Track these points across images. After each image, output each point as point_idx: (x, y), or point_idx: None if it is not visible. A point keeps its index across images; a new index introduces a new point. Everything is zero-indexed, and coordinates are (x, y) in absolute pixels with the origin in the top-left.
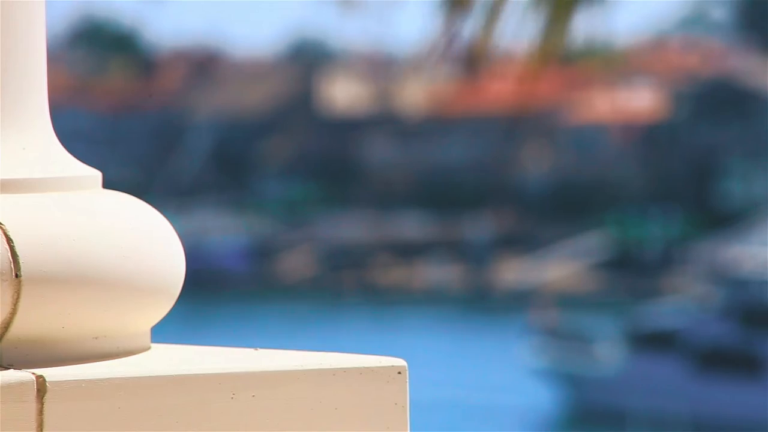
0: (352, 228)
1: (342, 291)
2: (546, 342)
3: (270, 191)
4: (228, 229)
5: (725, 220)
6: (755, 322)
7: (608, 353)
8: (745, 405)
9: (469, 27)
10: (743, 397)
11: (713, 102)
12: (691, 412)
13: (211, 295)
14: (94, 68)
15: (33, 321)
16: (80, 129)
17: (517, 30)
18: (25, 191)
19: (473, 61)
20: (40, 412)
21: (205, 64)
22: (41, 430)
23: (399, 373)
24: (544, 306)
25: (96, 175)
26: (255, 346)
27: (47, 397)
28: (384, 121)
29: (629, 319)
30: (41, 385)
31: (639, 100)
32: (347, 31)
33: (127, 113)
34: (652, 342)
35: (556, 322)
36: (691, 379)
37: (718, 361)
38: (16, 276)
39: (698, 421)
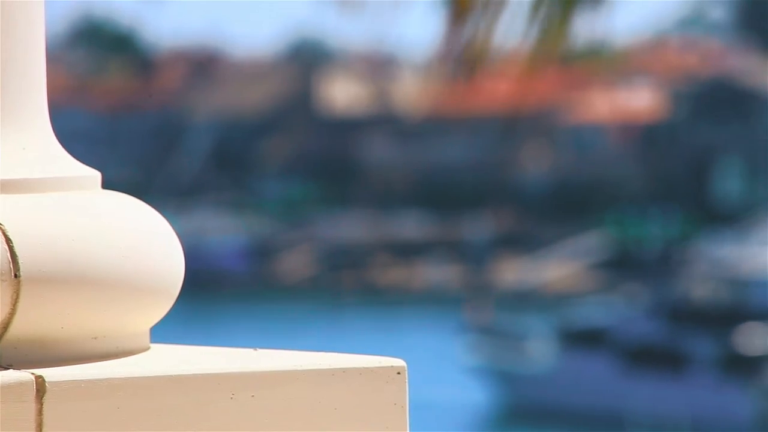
0: (351, 228)
1: (341, 291)
2: (480, 340)
3: (269, 191)
4: (227, 229)
5: (724, 220)
6: (681, 320)
7: (541, 351)
8: (672, 401)
9: (470, 28)
10: (670, 394)
11: (712, 102)
12: (620, 409)
13: (211, 295)
14: (93, 68)
15: (32, 321)
16: (79, 129)
17: (518, 31)
18: (25, 191)
19: (473, 63)
20: (40, 412)
21: (204, 64)
22: (41, 430)
23: (398, 373)
24: (479, 304)
25: (95, 175)
26: (254, 347)
27: (46, 397)
28: (383, 121)
29: (561, 316)
30: (40, 385)
31: (638, 100)
32: (346, 31)
33: (126, 113)
34: (583, 340)
35: (489, 320)
36: (619, 376)
37: (645, 358)
38: (16, 276)
39: (626, 417)
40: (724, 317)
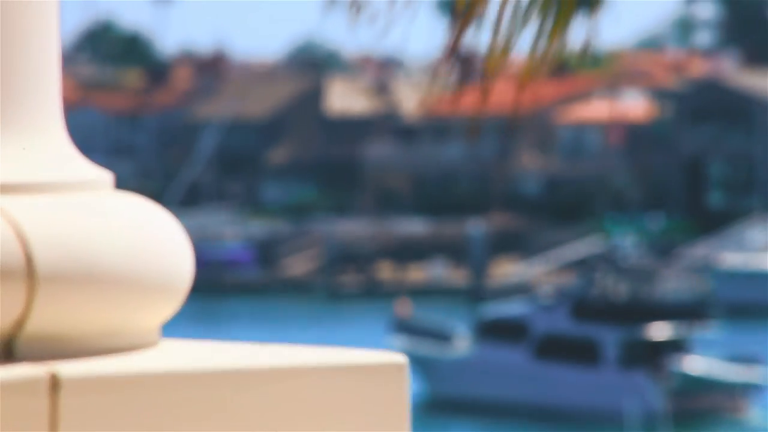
0: (354, 229)
1: (344, 290)
2: (402, 333)
3: (275, 194)
4: (235, 231)
5: (714, 223)
6: (588, 313)
7: (459, 343)
8: (581, 390)
9: (472, 35)
10: (579, 382)
11: (703, 107)
12: (532, 397)
13: (218, 295)
14: (104, 73)
15: (47, 318)
16: (90, 132)
17: (519, 39)
18: (40, 192)
19: (475, 71)
20: (54, 406)
21: (212, 69)
22: (55, 424)
23: (399, 369)
24: (403, 300)
25: (108, 176)
26: (260, 341)
27: (60, 392)
28: (386, 124)
29: (478, 310)
30: (54, 380)
31: (630, 106)
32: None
33: (136, 117)
34: (498, 331)
35: (410, 314)
36: (532, 365)
37: (557, 349)
38: (31, 275)
39: (538, 405)
40: (632, 311)
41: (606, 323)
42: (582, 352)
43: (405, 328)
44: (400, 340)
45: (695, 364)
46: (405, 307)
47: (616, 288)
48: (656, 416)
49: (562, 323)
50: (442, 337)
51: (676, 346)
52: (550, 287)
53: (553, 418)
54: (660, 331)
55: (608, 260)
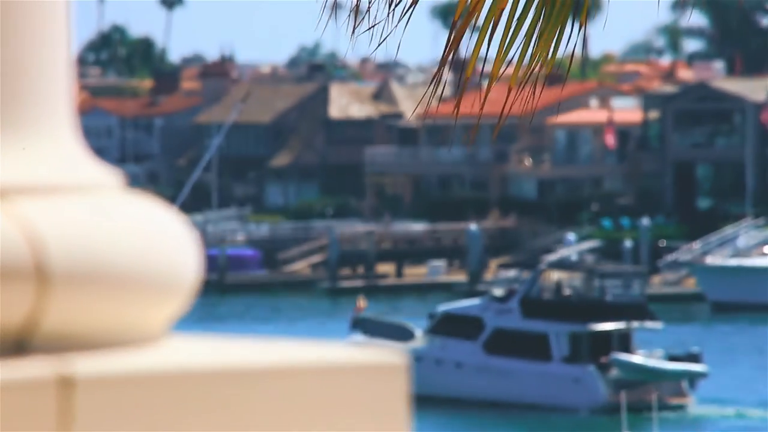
0: (355, 230)
1: (345, 289)
2: (359, 331)
3: (279, 196)
4: (240, 232)
5: (704, 225)
6: (538, 310)
7: (415, 338)
8: (532, 383)
9: (468, 42)
10: (529, 376)
11: (692, 113)
12: (484, 391)
13: (225, 293)
14: (114, 77)
15: (60, 317)
16: (100, 137)
17: (513, 46)
18: (53, 194)
19: (472, 76)
20: (65, 402)
21: (218, 75)
22: (69, 420)
23: (399, 369)
24: (359, 299)
25: (119, 178)
26: (264, 335)
27: (71, 388)
28: (386, 128)
29: (433, 306)
30: (66, 376)
31: (623, 111)
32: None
33: (145, 122)
34: (453, 327)
35: (363, 310)
36: (483, 360)
37: (507, 344)
38: (44, 274)
39: (490, 398)
40: (580, 307)
41: (555, 319)
42: (532, 347)
43: (362, 326)
44: (357, 338)
45: (639, 358)
46: (361, 306)
47: (565, 285)
48: (602, 407)
49: (513, 319)
50: (400, 334)
51: (621, 341)
52: (503, 284)
53: (505, 411)
54: (606, 326)
55: (559, 259)
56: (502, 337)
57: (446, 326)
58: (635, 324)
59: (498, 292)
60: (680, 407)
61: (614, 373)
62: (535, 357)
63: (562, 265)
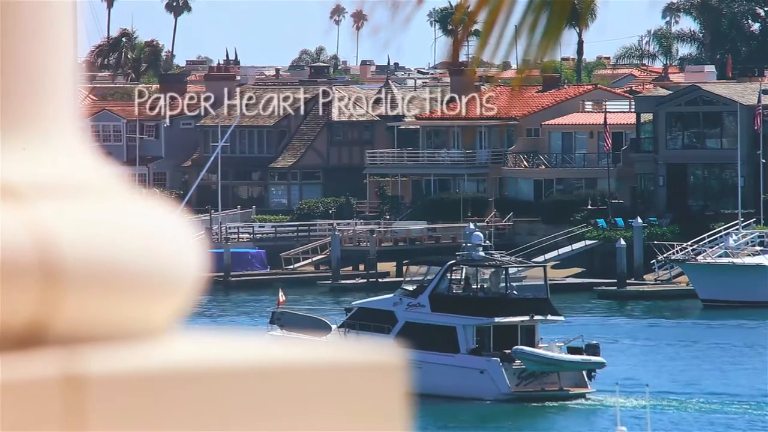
0: (357, 230)
1: (347, 286)
2: (277, 325)
3: (283, 197)
4: (246, 231)
5: (696, 225)
6: (446, 304)
7: (331, 333)
8: (440, 374)
9: (467, 47)
10: (438, 367)
11: (684, 116)
12: None
13: (229, 291)
14: (122, 80)
15: (69, 314)
16: (107, 139)
17: (512, 51)
18: (61, 195)
19: (471, 80)
20: (76, 398)
21: (223, 78)
22: (76, 415)
23: (398, 369)
24: (280, 293)
25: (124, 179)
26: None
27: (83, 384)
28: (387, 130)
29: (349, 301)
30: (77, 373)
31: (617, 114)
32: (356, 47)
33: (151, 123)
34: (367, 320)
35: (284, 306)
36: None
37: (417, 336)
38: (56, 273)
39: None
40: (486, 302)
41: (462, 313)
42: (440, 340)
43: (279, 320)
44: (275, 332)
45: (542, 350)
46: (281, 300)
47: (472, 281)
48: (507, 397)
49: (422, 313)
50: (316, 328)
51: (526, 334)
52: (413, 279)
53: (415, 401)
54: (511, 320)
55: (467, 255)
56: (413, 331)
57: (361, 320)
58: (538, 318)
59: (409, 287)
60: (580, 396)
61: (517, 364)
62: (444, 349)
63: (471, 261)
